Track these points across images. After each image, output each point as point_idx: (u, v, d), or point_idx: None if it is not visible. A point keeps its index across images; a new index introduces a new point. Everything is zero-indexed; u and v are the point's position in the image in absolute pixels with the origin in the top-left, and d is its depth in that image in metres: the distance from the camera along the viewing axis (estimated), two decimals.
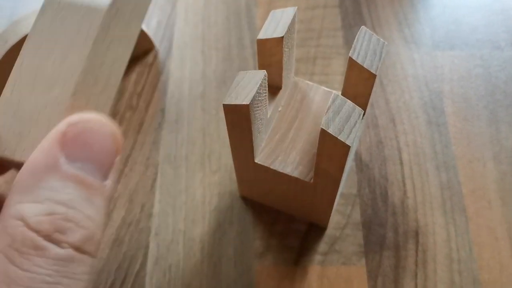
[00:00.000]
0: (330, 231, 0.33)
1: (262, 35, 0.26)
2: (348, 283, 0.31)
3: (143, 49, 0.41)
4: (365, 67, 0.25)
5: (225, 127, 0.37)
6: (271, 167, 0.28)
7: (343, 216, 0.33)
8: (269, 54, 0.27)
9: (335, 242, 0.32)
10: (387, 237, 0.32)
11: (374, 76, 0.25)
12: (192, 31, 0.43)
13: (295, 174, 0.27)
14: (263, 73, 0.24)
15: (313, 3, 0.44)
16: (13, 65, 0.35)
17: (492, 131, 0.36)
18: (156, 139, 0.37)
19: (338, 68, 0.40)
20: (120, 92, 0.39)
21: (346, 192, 0.34)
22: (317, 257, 0.32)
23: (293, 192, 0.29)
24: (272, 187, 0.30)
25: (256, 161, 0.28)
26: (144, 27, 0.41)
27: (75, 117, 0.16)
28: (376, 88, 0.38)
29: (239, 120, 0.24)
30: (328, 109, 0.23)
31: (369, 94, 0.26)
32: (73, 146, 0.15)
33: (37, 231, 0.14)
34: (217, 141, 0.37)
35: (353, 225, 0.33)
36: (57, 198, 0.15)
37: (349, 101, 0.24)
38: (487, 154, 0.35)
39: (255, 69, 0.40)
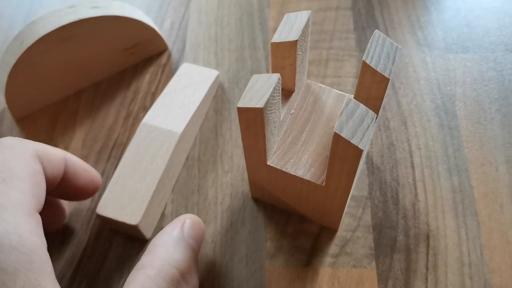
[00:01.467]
0: (341, 233, 0.33)
1: (276, 38, 0.26)
2: (358, 285, 0.31)
3: (156, 50, 0.42)
4: (379, 70, 0.25)
5: (238, 128, 0.37)
6: (283, 169, 0.28)
7: (354, 218, 0.33)
8: (283, 57, 0.27)
9: (346, 244, 0.32)
10: (398, 240, 0.32)
11: (387, 79, 0.25)
12: (205, 32, 0.43)
13: (307, 176, 0.28)
14: (277, 76, 0.24)
15: (325, 5, 0.44)
16: (30, 64, 0.35)
17: (504, 134, 0.36)
18: None
19: (351, 70, 0.40)
20: (135, 92, 0.40)
21: (357, 195, 0.34)
22: (328, 259, 0.32)
23: (305, 194, 0.30)
24: (283, 189, 0.30)
25: (268, 163, 0.28)
26: (157, 28, 0.41)
27: (189, 215, 0.28)
28: (388, 91, 0.39)
29: (252, 123, 0.25)
30: (341, 112, 0.23)
31: (382, 98, 0.27)
32: (189, 229, 0.27)
33: (177, 269, 0.25)
34: (229, 142, 0.37)
35: (364, 228, 0.33)
36: (184, 252, 0.26)
37: (362, 104, 0.24)
38: (499, 158, 0.35)
39: (267, 70, 0.40)
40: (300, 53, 0.27)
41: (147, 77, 0.41)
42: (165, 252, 0.25)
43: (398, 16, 0.43)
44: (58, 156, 0.28)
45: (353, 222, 0.33)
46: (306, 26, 0.26)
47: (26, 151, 0.25)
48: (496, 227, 0.32)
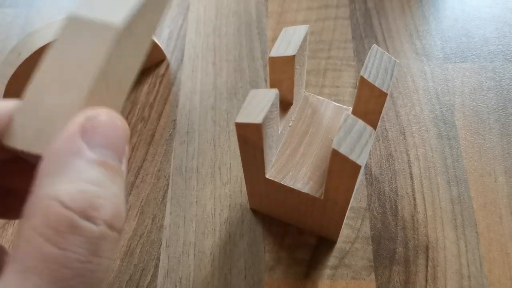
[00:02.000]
0: (339, 244, 0.33)
1: (274, 53, 0.26)
2: None
3: (155, 60, 0.42)
4: (377, 85, 0.25)
5: (236, 139, 0.37)
6: (282, 182, 0.28)
7: (352, 230, 0.33)
8: (281, 71, 0.27)
9: (344, 256, 0.32)
10: (397, 251, 0.32)
11: (385, 94, 0.25)
12: (203, 42, 0.43)
13: (306, 189, 0.28)
14: (274, 92, 0.24)
15: (324, 14, 0.44)
16: (27, 76, 0.35)
17: (503, 145, 0.36)
18: (167, 150, 0.37)
19: (349, 80, 0.40)
20: (133, 103, 0.40)
21: (356, 206, 0.34)
22: (327, 271, 0.32)
23: (304, 207, 0.29)
24: (282, 201, 0.30)
25: (267, 176, 0.28)
26: (155, 38, 0.41)
27: (90, 111, 0.17)
28: (386, 101, 0.38)
29: (251, 138, 0.25)
30: (340, 128, 0.23)
31: (380, 112, 0.27)
32: (92, 135, 0.17)
33: (72, 209, 0.15)
34: (228, 153, 0.37)
35: (363, 239, 0.33)
36: (87, 177, 0.16)
37: (360, 120, 0.24)
38: (498, 168, 0.35)
39: (265, 80, 0.40)
40: (298, 67, 0.27)
41: (145, 87, 0.41)
42: (52, 182, 0.16)
43: (396, 26, 0.43)
44: None
45: (352, 233, 0.33)
46: (304, 41, 0.26)
47: None
48: (495, 239, 0.32)
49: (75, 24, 0.21)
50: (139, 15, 0.22)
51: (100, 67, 0.20)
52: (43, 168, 0.16)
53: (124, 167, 0.18)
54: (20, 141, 0.19)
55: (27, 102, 0.20)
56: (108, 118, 0.18)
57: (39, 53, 0.35)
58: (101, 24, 0.20)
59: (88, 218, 0.15)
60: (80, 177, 0.16)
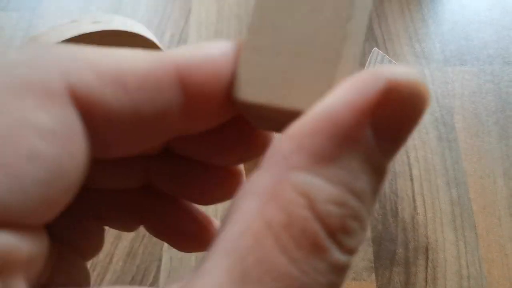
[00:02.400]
0: None
1: None
2: None
3: None
4: None
5: None
6: None
7: None
8: None
9: None
10: (397, 253, 0.33)
11: None
12: None
13: None
14: None
15: None
16: None
17: (502, 147, 0.36)
18: None
19: None
20: None
21: None
22: None
23: None
24: None
25: None
26: (157, 40, 0.41)
27: (402, 73, 0.11)
28: None
29: None
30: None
31: None
32: (386, 116, 0.11)
33: (323, 224, 0.11)
34: None
35: (364, 241, 0.33)
36: (352, 186, 0.11)
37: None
38: (497, 170, 0.35)
39: None
40: None
41: None
42: (308, 170, 0.11)
43: (396, 29, 0.43)
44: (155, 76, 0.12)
45: None
46: None
47: (33, 78, 0.11)
48: (494, 240, 0.33)
49: None
50: None
51: None
52: (300, 135, 0.11)
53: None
54: (256, 93, 0.13)
55: (254, 33, 0.14)
56: (414, 90, 0.11)
57: None
58: None
59: (337, 242, 0.11)
60: (344, 179, 0.11)
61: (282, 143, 0.11)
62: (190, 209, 0.18)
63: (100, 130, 0.12)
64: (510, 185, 0.35)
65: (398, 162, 0.36)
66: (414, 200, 0.34)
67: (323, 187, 0.11)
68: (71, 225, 0.12)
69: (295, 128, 0.11)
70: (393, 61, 0.26)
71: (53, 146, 0.10)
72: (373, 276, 0.32)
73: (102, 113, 0.11)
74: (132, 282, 0.32)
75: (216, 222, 0.19)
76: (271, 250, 0.10)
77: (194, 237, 0.19)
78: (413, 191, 0.35)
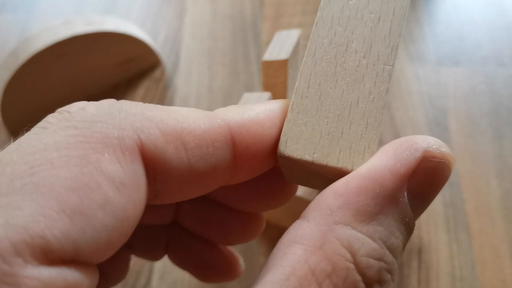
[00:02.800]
0: None
1: (267, 56, 0.26)
2: None
3: (150, 65, 0.42)
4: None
5: None
6: None
7: None
8: (274, 75, 0.27)
9: None
10: None
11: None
12: (199, 46, 0.43)
13: (299, 193, 0.28)
14: (267, 95, 0.24)
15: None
16: (25, 81, 0.35)
17: (495, 148, 0.36)
18: None
19: None
20: None
21: None
22: None
23: (298, 210, 0.30)
24: None
25: None
26: (151, 42, 0.41)
27: (436, 146, 0.13)
28: None
29: None
30: None
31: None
32: (420, 182, 0.13)
33: (363, 275, 0.12)
34: None
35: None
36: (390, 242, 0.12)
37: None
38: (490, 172, 0.35)
39: (260, 84, 0.41)
40: (291, 71, 0.27)
41: (141, 91, 0.41)
42: (352, 226, 0.12)
43: None
44: (208, 134, 0.14)
45: None
46: (297, 44, 0.27)
47: (110, 134, 0.12)
48: (487, 241, 0.33)
49: None
50: None
51: (397, 47, 0.16)
52: (345, 194, 0.12)
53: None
54: (302, 150, 0.15)
55: (302, 97, 0.16)
56: (445, 164, 0.13)
57: (37, 57, 0.35)
58: None
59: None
60: (383, 236, 0.12)
61: (328, 198, 0.13)
62: (214, 243, 0.20)
63: (158, 182, 0.13)
64: (503, 186, 0.35)
65: None
66: None
67: (365, 242, 0.12)
68: None
69: (341, 185, 0.13)
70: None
71: (122, 196, 0.12)
72: None
73: (163, 167, 0.13)
74: (124, 284, 0.32)
75: (239, 257, 0.21)
76: None
77: (216, 269, 0.20)
78: None
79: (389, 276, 0.12)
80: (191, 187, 0.14)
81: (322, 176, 0.15)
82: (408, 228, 0.13)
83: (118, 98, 0.41)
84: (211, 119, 0.14)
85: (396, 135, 0.37)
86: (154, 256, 0.21)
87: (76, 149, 0.12)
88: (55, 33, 0.36)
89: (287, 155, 0.15)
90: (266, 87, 0.29)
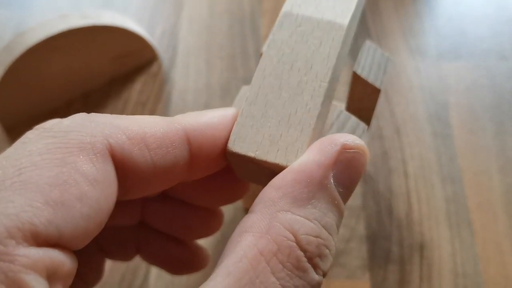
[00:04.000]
0: None
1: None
2: None
3: (147, 59, 0.41)
4: (370, 82, 0.25)
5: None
6: None
7: (347, 229, 0.33)
8: None
9: (339, 255, 0.32)
10: (392, 250, 0.32)
11: (378, 90, 0.25)
12: (196, 40, 0.43)
13: None
14: None
15: None
16: (19, 75, 0.35)
17: (498, 143, 0.36)
18: None
19: (342, 79, 0.40)
20: (125, 101, 0.39)
21: (350, 205, 0.34)
22: None
23: None
24: None
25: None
26: (148, 36, 0.41)
27: (351, 140, 0.16)
28: (380, 99, 0.38)
29: None
30: (332, 124, 0.23)
31: (374, 109, 0.26)
32: (342, 170, 0.16)
33: (304, 251, 0.14)
34: None
35: (358, 238, 0.33)
36: (324, 221, 0.15)
37: (353, 116, 0.23)
38: (493, 167, 0.35)
39: None
40: None
41: (138, 86, 0.40)
42: (291, 211, 0.15)
43: (390, 24, 0.43)
44: (167, 137, 0.17)
45: (347, 232, 0.33)
46: None
47: (83, 140, 0.15)
48: (490, 237, 0.32)
49: (292, 23, 0.20)
50: (354, 12, 0.21)
51: (332, 69, 0.19)
52: (283, 186, 0.15)
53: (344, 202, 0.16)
54: (247, 148, 0.18)
55: (251, 104, 0.19)
56: (360, 154, 0.16)
57: (31, 51, 0.34)
58: (325, 21, 0.20)
59: (313, 265, 0.14)
60: (318, 216, 0.15)
61: (269, 192, 0.15)
62: (180, 239, 0.22)
63: (127, 179, 0.16)
64: (506, 181, 0.34)
65: (393, 159, 0.36)
66: (408, 197, 0.34)
67: (303, 223, 0.14)
68: (78, 256, 0.15)
69: (279, 179, 0.16)
70: (385, 53, 0.25)
71: (95, 190, 0.14)
72: (367, 274, 0.31)
73: (130, 165, 0.16)
74: (122, 281, 0.32)
75: (204, 248, 0.23)
76: (262, 271, 0.14)
77: (185, 263, 0.23)
78: (407, 188, 0.34)
79: (327, 250, 0.15)
80: (155, 182, 0.17)
81: (265, 172, 0.18)
82: (339, 210, 0.16)
83: (114, 93, 0.40)
84: (170, 123, 0.17)
85: (397, 130, 0.37)
86: (126, 256, 0.23)
87: (56, 153, 0.14)
88: (50, 27, 0.35)
89: (234, 151, 0.18)
90: None
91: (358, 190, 0.34)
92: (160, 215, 0.22)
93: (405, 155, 0.36)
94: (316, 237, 0.15)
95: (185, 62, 0.42)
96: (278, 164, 0.18)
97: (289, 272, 0.14)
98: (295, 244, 0.14)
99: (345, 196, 0.16)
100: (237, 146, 0.18)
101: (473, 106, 0.38)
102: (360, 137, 0.23)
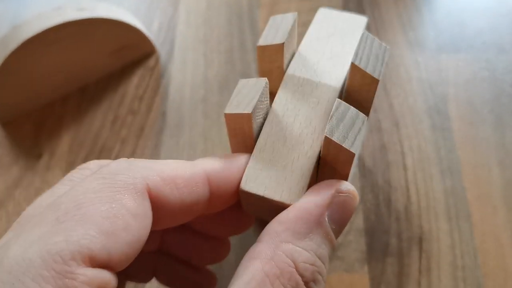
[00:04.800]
0: None
1: (262, 41, 0.26)
2: None
3: (144, 53, 0.41)
4: (368, 72, 0.24)
5: (227, 132, 0.37)
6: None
7: None
8: (270, 61, 0.26)
9: (337, 248, 0.32)
10: (391, 243, 0.32)
11: (376, 81, 0.25)
12: (194, 34, 0.42)
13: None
14: (264, 81, 0.23)
15: (316, 5, 0.43)
16: (14, 69, 0.35)
17: (497, 136, 0.36)
18: (157, 143, 0.37)
19: None
20: (122, 96, 0.39)
21: None
22: None
23: None
24: None
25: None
26: (145, 29, 0.40)
27: (344, 186, 0.20)
28: (379, 92, 0.38)
29: (240, 129, 0.24)
30: (332, 116, 0.23)
31: (372, 100, 0.26)
32: (335, 210, 0.19)
33: (301, 276, 0.17)
34: (219, 146, 0.36)
35: (356, 231, 0.32)
36: (318, 252, 0.18)
37: (352, 107, 0.23)
38: (492, 160, 0.35)
39: (257, 72, 0.40)
40: (287, 55, 0.27)
41: (135, 80, 0.40)
42: (292, 242, 0.18)
43: (389, 17, 0.42)
44: (193, 179, 0.20)
45: None
46: (293, 28, 0.26)
47: (127, 181, 0.18)
48: (489, 230, 0.32)
49: (295, 84, 0.25)
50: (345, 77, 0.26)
51: (326, 126, 0.23)
52: (286, 221, 0.19)
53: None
54: (257, 188, 0.22)
55: (261, 150, 0.23)
56: (351, 197, 0.20)
57: (26, 45, 0.34)
58: (322, 84, 0.25)
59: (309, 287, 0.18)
60: (314, 248, 0.18)
61: (275, 226, 0.19)
62: (192, 264, 0.26)
63: (159, 212, 0.19)
64: (505, 174, 0.34)
65: (391, 152, 0.35)
66: (407, 190, 0.34)
67: (302, 252, 0.18)
68: None
69: (283, 216, 0.19)
70: (383, 43, 0.25)
71: (136, 222, 0.18)
72: (366, 267, 0.31)
73: (162, 201, 0.19)
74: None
75: (214, 272, 0.28)
76: None
77: (197, 284, 0.27)
78: (406, 181, 0.34)
79: (320, 276, 0.18)
80: (180, 215, 0.20)
81: (270, 208, 0.22)
82: (331, 243, 0.19)
83: (111, 87, 0.40)
84: (194, 167, 0.21)
85: (395, 123, 0.36)
86: (144, 279, 0.26)
87: (106, 192, 0.17)
88: (45, 20, 0.35)
89: (246, 190, 0.21)
90: (262, 74, 0.28)
91: (356, 183, 0.34)
92: (177, 243, 0.25)
93: (404, 147, 0.35)
94: (312, 265, 0.18)
95: (183, 56, 0.41)
96: (283, 202, 0.21)
97: None
98: (294, 270, 0.17)
99: (337, 232, 0.19)
100: (248, 186, 0.22)
101: (473, 98, 0.38)
102: (360, 128, 0.23)
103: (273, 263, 0.17)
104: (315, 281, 0.18)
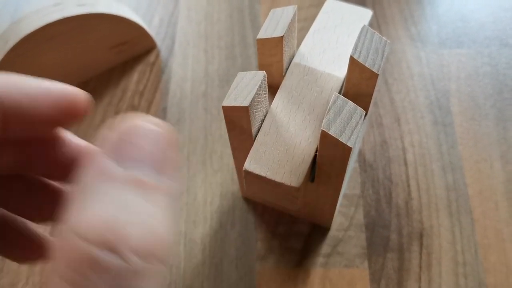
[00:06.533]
0: (333, 232, 0.32)
1: (261, 34, 0.25)
2: (351, 285, 0.30)
3: (145, 48, 0.41)
4: (367, 66, 0.24)
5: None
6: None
7: (346, 217, 0.33)
8: (269, 54, 0.26)
9: (338, 244, 0.32)
10: (391, 239, 0.32)
11: (376, 75, 0.24)
12: (194, 29, 0.42)
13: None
14: (262, 74, 0.23)
15: (317, 0, 0.43)
16: (14, 64, 0.34)
17: (499, 130, 0.35)
18: None
19: None
20: (123, 91, 0.39)
21: (349, 193, 0.33)
22: (320, 259, 0.31)
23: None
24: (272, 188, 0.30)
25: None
26: (146, 25, 0.40)
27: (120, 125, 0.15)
28: (381, 87, 0.38)
29: (238, 121, 0.24)
30: (329, 110, 0.23)
31: (371, 94, 0.26)
32: (123, 150, 0.14)
33: (91, 241, 0.13)
34: (219, 141, 0.36)
35: (356, 227, 0.32)
36: (114, 203, 0.14)
37: (350, 101, 0.23)
38: (494, 155, 0.34)
39: (257, 68, 0.40)
40: (287, 49, 0.26)
41: (135, 75, 0.40)
42: (74, 215, 0.14)
43: (391, 11, 0.42)
44: None
45: (345, 221, 0.32)
46: (292, 21, 0.26)
47: None
48: (491, 225, 0.32)
49: (300, 72, 0.27)
50: None
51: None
52: (69, 201, 0.14)
53: (169, 181, 0.15)
54: (260, 169, 0.23)
55: (265, 134, 0.25)
56: (141, 126, 0.15)
57: (26, 40, 0.34)
58: (326, 73, 0.27)
59: (112, 250, 0.13)
60: (105, 203, 0.13)
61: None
62: (24, 229, 0.22)
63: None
64: (507, 169, 0.34)
65: (392, 147, 0.35)
66: (408, 185, 0.34)
67: (85, 218, 0.14)
68: None
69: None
70: (383, 37, 0.25)
71: None
72: (366, 263, 0.31)
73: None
74: None
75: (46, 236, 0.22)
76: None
77: (28, 252, 0.22)
78: (407, 176, 0.34)
79: (128, 227, 0.13)
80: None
81: (271, 189, 0.24)
82: (138, 183, 0.15)
83: (112, 82, 0.40)
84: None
85: (397, 119, 0.36)
86: None
87: None
88: (45, 15, 0.35)
89: (250, 170, 0.23)
90: (261, 67, 0.28)
91: (357, 178, 0.34)
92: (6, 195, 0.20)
93: (405, 143, 0.35)
94: (104, 222, 0.14)
95: (183, 51, 0.41)
96: (283, 183, 0.23)
97: (87, 274, 0.13)
98: (79, 240, 0.14)
99: (149, 168, 0.15)
100: (252, 166, 0.23)
101: (475, 93, 0.37)
102: (357, 123, 0.22)
103: (57, 253, 0.13)
104: (117, 236, 0.13)
